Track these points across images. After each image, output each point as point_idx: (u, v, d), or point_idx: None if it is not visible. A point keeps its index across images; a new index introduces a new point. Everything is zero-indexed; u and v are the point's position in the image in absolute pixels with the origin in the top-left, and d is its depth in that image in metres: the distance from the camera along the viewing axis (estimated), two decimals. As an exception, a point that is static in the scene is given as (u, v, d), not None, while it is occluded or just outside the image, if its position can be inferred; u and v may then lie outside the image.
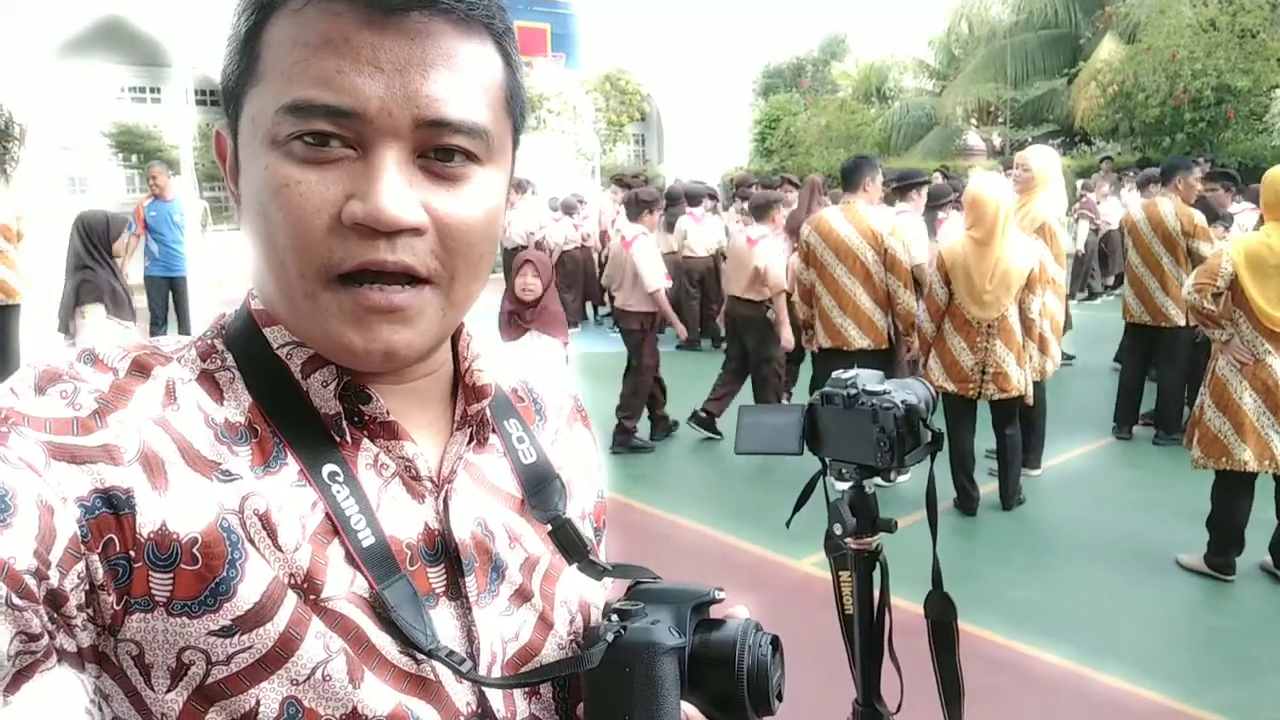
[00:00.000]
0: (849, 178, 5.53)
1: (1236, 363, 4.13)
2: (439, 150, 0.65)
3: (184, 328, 8.74)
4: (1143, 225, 6.13)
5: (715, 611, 0.79)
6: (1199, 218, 6.04)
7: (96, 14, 14.63)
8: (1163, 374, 6.37)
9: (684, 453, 6.52)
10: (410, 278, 0.65)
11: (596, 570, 0.78)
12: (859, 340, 5.43)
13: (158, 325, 9.28)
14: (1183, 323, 6.04)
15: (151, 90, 17.18)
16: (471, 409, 0.76)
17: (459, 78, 0.65)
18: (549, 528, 0.78)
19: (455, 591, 0.71)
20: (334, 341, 0.66)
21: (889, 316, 5.50)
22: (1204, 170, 8.56)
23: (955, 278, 4.91)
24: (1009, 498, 5.19)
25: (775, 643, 0.78)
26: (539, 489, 0.80)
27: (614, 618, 0.74)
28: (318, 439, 0.68)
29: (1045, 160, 5.49)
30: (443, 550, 0.72)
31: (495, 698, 0.72)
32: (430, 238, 0.65)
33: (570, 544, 0.78)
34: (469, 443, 0.76)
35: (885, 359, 5.49)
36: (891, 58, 25.85)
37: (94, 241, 5.59)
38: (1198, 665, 3.69)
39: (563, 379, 0.93)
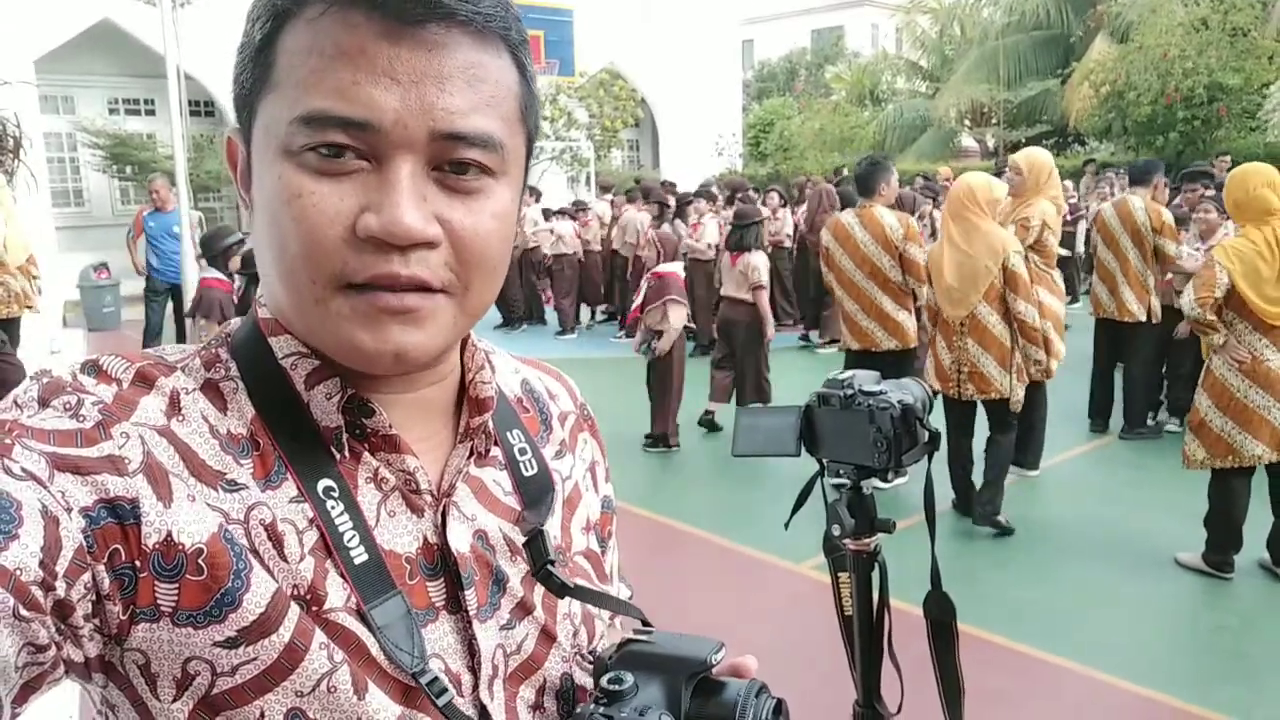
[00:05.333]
0: (863, 183, 5.55)
1: (1234, 362, 4.15)
2: (453, 163, 0.64)
3: (181, 337, 8.75)
4: (1111, 221, 6.21)
5: (725, 652, 0.74)
6: (1167, 216, 6.13)
7: (89, 25, 14.61)
8: (1128, 370, 6.44)
9: (680, 456, 6.52)
10: (424, 288, 0.65)
11: (554, 583, 0.75)
12: (886, 342, 5.49)
13: (153, 337, 9.29)
14: (1144, 318, 6.14)
15: (145, 102, 17.17)
16: (474, 423, 0.76)
17: (475, 90, 0.64)
18: (524, 539, 0.76)
19: (455, 605, 0.71)
20: (344, 344, 0.65)
21: (914, 316, 5.55)
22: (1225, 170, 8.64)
23: (934, 275, 4.94)
24: (982, 504, 4.93)
25: (780, 708, 0.72)
26: (536, 502, 0.79)
27: (602, 703, 0.68)
28: (316, 454, 0.68)
29: (1037, 163, 5.49)
30: (442, 564, 0.71)
31: (497, 712, 0.71)
32: (444, 250, 0.65)
33: (537, 555, 0.76)
34: (470, 455, 0.76)
35: (913, 360, 5.52)
36: (884, 57, 25.92)
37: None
38: (1198, 664, 3.70)
39: (570, 387, 0.93)
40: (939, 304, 4.90)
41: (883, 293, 5.43)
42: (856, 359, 5.60)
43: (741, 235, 6.62)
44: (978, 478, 5.13)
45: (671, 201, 10.37)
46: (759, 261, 6.50)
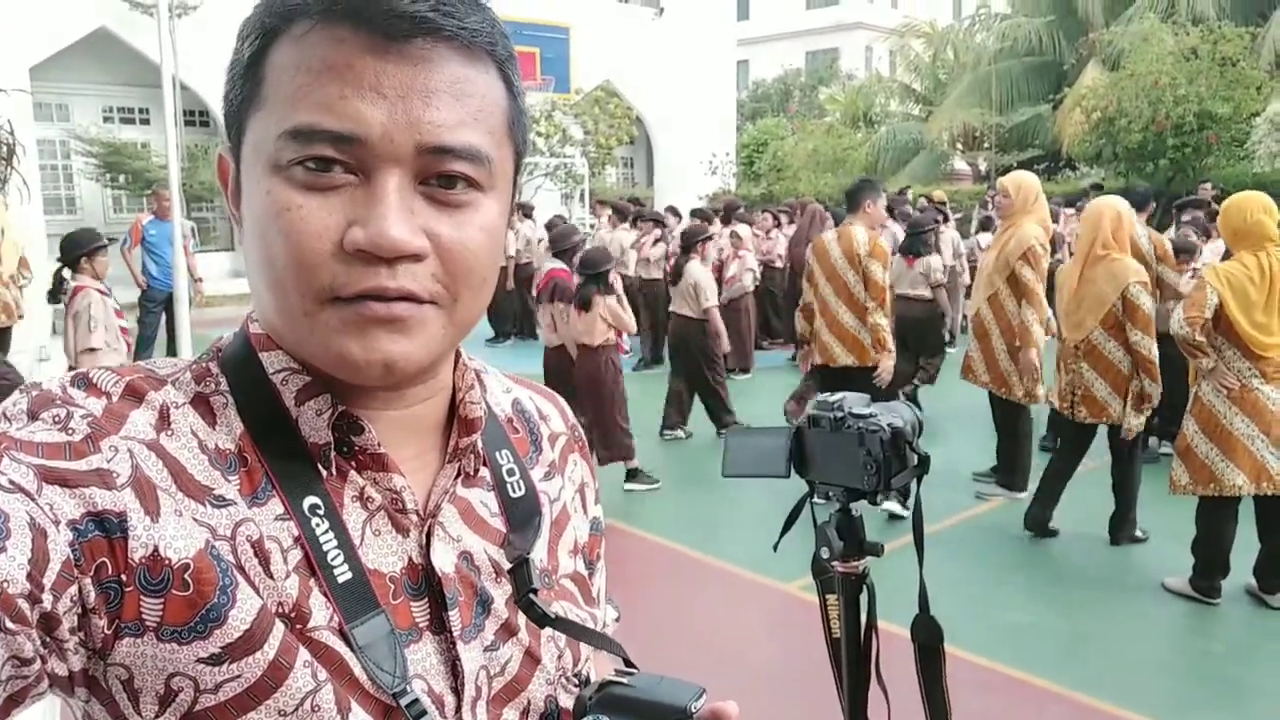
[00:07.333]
0: (850, 199, 5.70)
1: (1222, 388, 4.17)
2: (441, 177, 0.65)
3: (173, 347, 8.73)
4: None
5: (706, 698, 0.74)
6: (1168, 244, 6.16)
7: (86, 34, 14.62)
8: None
9: (670, 475, 6.51)
10: (412, 299, 0.65)
11: (536, 613, 0.74)
12: (843, 357, 5.56)
13: (147, 346, 9.26)
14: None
15: (140, 111, 17.18)
16: (462, 443, 0.75)
17: (461, 104, 0.65)
18: (508, 566, 0.76)
19: (439, 626, 0.70)
20: (333, 354, 0.65)
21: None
22: (1211, 197, 8.69)
23: (1058, 295, 5.03)
24: (1116, 532, 5.07)
25: None
26: (523, 525, 0.78)
27: None
28: (302, 470, 0.68)
29: (1025, 185, 5.54)
30: (426, 584, 0.71)
31: None
32: (432, 263, 0.65)
33: (521, 583, 0.75)
34: (457, 476, 0.75)
35: (870, 377, 5.56)
36: (877, 80, 26.12)
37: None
38: (1184, 688, 3.70)
39: (562, 408, 0.93)
40: (1060, 324, 4.99)
41: (846, 308, 5.53)
42: (821, 375, 5.74)
43: (911, 242, 7.66)
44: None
45: (672, 221, 10.44)
46: (936, 263, 7.61)
